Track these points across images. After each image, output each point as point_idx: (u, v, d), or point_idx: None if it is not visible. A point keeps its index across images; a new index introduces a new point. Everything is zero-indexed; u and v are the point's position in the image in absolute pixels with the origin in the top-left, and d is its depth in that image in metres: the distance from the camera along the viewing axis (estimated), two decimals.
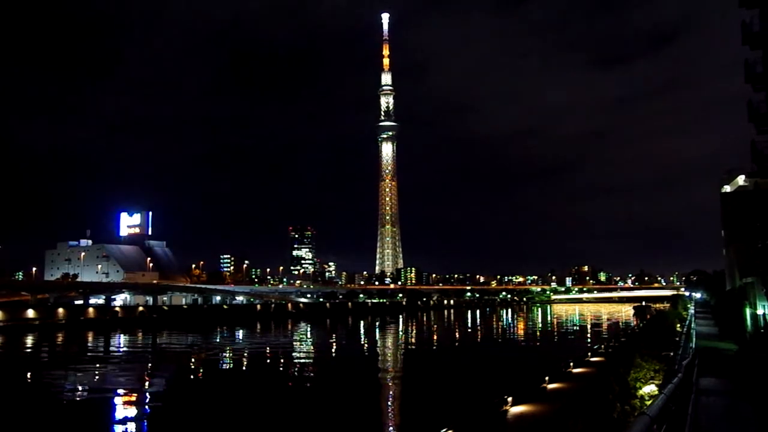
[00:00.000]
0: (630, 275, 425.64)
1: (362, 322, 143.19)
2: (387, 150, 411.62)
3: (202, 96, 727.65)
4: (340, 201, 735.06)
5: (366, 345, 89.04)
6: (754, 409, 14.87)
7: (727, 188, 66.17)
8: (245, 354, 72.83)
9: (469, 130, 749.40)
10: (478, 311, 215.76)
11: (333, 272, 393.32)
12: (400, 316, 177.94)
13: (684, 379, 14.04)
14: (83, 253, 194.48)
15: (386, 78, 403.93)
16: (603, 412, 17.61)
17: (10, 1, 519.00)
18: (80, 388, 48.25)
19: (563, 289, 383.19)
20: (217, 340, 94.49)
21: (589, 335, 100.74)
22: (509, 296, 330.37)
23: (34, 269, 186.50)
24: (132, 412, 37.43)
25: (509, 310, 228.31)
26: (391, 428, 32.55)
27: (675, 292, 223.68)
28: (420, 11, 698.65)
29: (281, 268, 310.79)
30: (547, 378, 29.66)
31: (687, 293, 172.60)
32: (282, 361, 65.17)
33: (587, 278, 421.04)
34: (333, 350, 79.40)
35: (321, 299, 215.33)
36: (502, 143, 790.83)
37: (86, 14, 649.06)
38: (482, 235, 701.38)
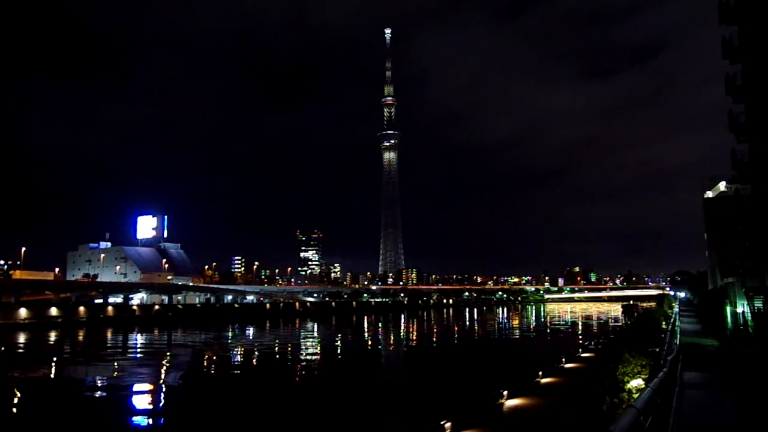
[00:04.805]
0: (618, 275, 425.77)
1: (366, 320, 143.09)
2: (389, 157, 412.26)
3: (215, 105, 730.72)
4: (345, 205, 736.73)
5: (369, 341, 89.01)
6: (735, 401, 14.97)
7: (710, 194, 66.18)
8: (256, 349, 72.87)
9: (466, 137, 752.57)
10: (475, 310, 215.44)
11: (338, 273, 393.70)
12: (402, 315, 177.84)
13: (669, 374, 14.14)
14: (103, 255, 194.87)
15: (388, 89, 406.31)
16: (593, 405, 17.70)
17: (34, 17, 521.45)
18: (99, 381, 48.35)
19: (556, 288, 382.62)
20: (230, 337, 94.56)
21: (579, 332, 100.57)
22: (505, 296, 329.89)
23: (57, 269, 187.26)
24: (148, 404, 37.54)
25: (505, 309, 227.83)
26: (392, 419, 32.58)
27: (661, 292, 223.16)
28: (420, 25, 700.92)
29: (289, 269, 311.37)
30: (540, 373, 29.69)
31: (672, 292, 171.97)
32: (291, 355, 65.24)
33: (578, 278, 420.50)
34: (338, 346, 79.39)
35: (327, 299, 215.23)
36: (498, 150, 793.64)
37: (104, 29, 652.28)
38: (479, 238, 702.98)
